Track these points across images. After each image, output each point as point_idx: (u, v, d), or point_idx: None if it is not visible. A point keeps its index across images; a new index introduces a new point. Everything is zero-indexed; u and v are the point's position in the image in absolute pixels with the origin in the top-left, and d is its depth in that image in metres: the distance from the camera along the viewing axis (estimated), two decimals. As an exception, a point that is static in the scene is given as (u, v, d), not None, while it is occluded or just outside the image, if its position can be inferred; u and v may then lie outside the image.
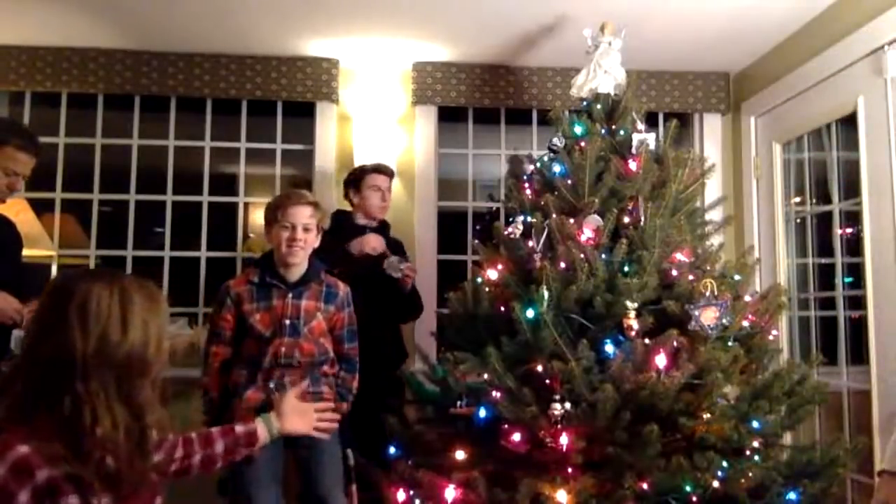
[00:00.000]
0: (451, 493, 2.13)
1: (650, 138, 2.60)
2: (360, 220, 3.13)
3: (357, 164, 3.55)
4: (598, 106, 2.73)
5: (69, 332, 1.24)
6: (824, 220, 3.24)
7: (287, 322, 2.32)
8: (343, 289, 2.47)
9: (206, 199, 3.66)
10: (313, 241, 2.41)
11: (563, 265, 2.31)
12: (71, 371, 1.23)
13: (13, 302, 2.26)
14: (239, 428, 1.71)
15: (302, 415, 1.87)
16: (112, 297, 1.28)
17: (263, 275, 2.38)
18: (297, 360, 2.32)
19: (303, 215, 2.35)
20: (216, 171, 3.81)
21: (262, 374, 2.31)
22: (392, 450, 2.49)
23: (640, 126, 2.64)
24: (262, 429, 1.75)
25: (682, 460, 2.00)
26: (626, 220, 2.43)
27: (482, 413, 2.22)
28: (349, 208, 3.22)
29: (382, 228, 3.15)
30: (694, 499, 2.04)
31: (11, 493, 1.14)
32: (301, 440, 2.31)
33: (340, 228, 3.05)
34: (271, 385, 2.29)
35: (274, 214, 2.37)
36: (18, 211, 3.03)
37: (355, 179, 3.15)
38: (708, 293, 2.20)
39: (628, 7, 2.93)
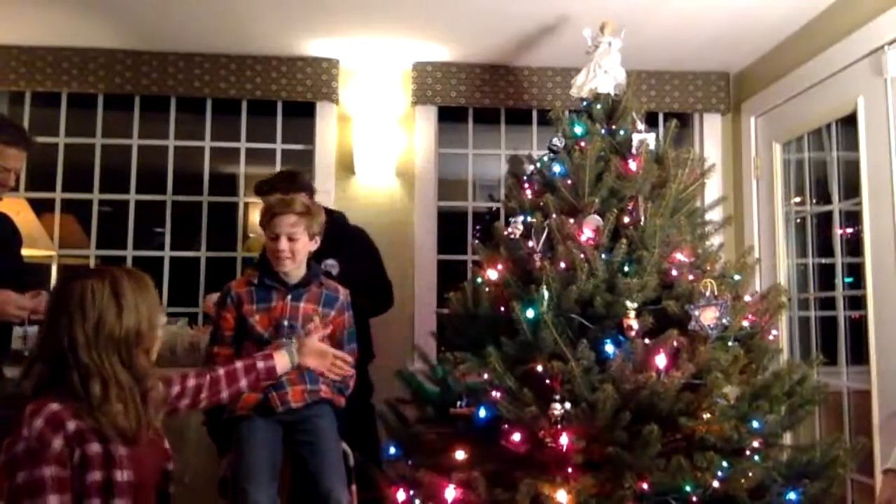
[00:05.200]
0: (451, 493, 2.13)
1: (650, 138, 2.60)
2: None
3: (357, 163, 3.57)
4: (598, 106, 2.73)
5: (72, 321, 1.48)
6: (824, 220, 3.24)
7: (285, 323, 2.32)
8: (343, 292, 2.47)
9: (206, 199, 3.66)
10: (303, 247, 2.35)
11: (563, 265, 2.31)
12: (76, 348, 1.47)
13: (15, 299, 2.25)
14: (260, 364, 1.93)
15: (321, 356, 2.10)
16: (105, 289, 1.52)
17: (263, 277, 2.38)
18: None
19: (286, 224, 2.30)
20: (216, 171, 3.81)
21: None
22: (392, 450, 2.49)
23: (640, 126, 2.64)
24: (284, 358, 1.98)
25: (682, 460, 2.00)
26: (626, 220, 2.43)
27: (482, 413, 2.22)
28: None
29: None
30: (694, 499, 2.04)
31: (48, 440, 1.39)
32: (301, 437, 2.32)
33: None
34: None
35: (262, 223, 2.36)
36: (18, 211, 3.02)
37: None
38: (708, 293, 2.21)
39: (628, 7, 2.94)
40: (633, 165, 2.51)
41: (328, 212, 2.85)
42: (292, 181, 2.91)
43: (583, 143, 2.56)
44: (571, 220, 2.42)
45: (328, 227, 2.77)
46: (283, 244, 2.29)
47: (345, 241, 2.95)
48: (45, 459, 1.38)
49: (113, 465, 1.45)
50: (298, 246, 2.33)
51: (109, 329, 1.49)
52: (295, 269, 2.38)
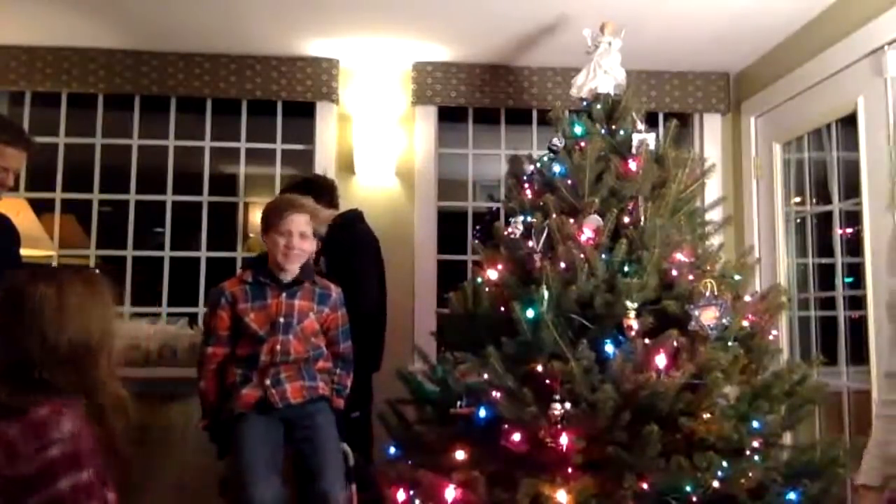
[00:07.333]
0: (451, 493, 2.13)
1: (650, 138, 2.60)
2: None
3: (357, 163, 3.57)
4: (598, 106, 2.73)
5: (18, 332, 1.39)
6: (824, 220, 3.24)
7: (281, 320, 2.33)
8: (335, 290, 2.48)
9: (206, 199, 3.66)
10: (310, 247, 2.42)
11: (563, 265, 2.31)
12: (31, 364, 1.38)
13: None
14: None
15: None
16: (48, 295, 1.40)
17: (257, 275, 2.39)
18: (292, 358, 2.33)
19: (300, 223, 2.37)
20: (216, 171, 3.81)
21: (257, 373, 2.32)
22: (392, 450, 2.49)
23: (640, 126, 2.65)
24: None
25: (682, 460, 2.00)
26: (626, 220, 2.44)
27: (482, 413, 2.22)
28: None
29: None
30: (694, 499, 2.04)
31: (85, 438, 1.33)
32: (301, 434, 2.32)
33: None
34: (267, 382, 2.30)
35: (272, 220, 2.38)
36: (18, 211, 3.03)
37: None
38: (708, 293, 2.21)
39: (628, 7, 2.93)
40: (633, 165, 2.51)
41: (342, 213, 3.00)
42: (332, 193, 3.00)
43: (583, 143, 2.56)
44: (571, 220, 2.42)
45: (339, 227, 2.87)
46: (296, 241, 2.35)
47: (343, 240, 2.96)
48: (86, 461, 1.31)
49: (106, 486, 1.38)
50: (307, 244, 2.40)
51: (53, 343, 1.39)
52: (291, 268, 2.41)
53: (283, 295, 2.37)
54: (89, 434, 1.35)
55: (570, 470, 2.06)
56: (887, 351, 1.43)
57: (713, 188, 3.57)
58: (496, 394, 2.20)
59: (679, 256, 2.39)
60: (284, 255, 2.35)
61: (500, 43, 3.41)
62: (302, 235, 2.37)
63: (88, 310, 1.44)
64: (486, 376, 2.24)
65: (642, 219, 2.41)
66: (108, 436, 1.41)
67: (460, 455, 2.21)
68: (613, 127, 2.69)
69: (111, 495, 1.39)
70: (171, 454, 3.01)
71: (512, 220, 2.55)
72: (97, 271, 1.55)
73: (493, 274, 2.51)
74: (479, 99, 3.67)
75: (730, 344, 2.22)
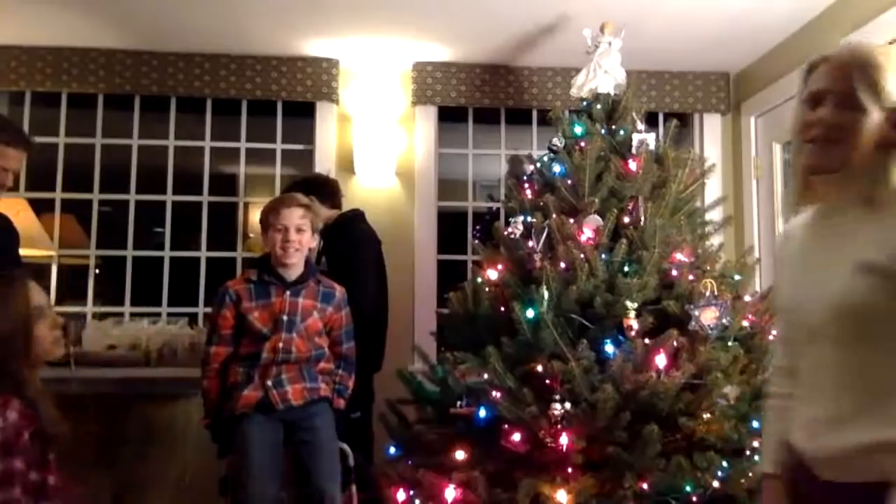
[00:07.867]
0: (451, 493, 2.13)
1: (650, 138, 2.60)
2: None
3: (357, 163, 3.57)
4: (598, 106, 2.73)
5: None
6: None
7: (285, 318, 2.34)
8: (340, 290, 2.50)
9: (206, 199, 3.66)
10: (308, 241, 2.45)
11: (563, 265, 2.31)
12: None
13: None
14: None
15: None
16: None
17: (262, 274, 2.41)
18: (294, 357, 2.34)
19: (294, 217, 2.41)
20: (216, 171, 3.81)
21: (259, 372, 2.32)
22: (392, 450, 2.49)
23: (640, 126, 2.65)
24: None
25: (682, 460, 2.01)
26: (626, 220, 2.44)
27: (482, 413, 2.22)
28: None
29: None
30: (694, 499, 2.04)
31: (21, 432, 1.49)
32: (300, 436, 2.33)
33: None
34: (269, 383, 2.31)
35: (268, 219, 2.43)
36: (18, 211, 3.03)
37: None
38: (708, 293, 2.21)
39: (628, 7, 2.93)
40: (633, 165, 2.51)
41: (343, 213, 3.02)
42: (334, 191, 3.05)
43: (583, 143, 2.56)
44: (571, 220, 2.42)
45: (340, 227, 2.89)
46: (293, 235, 2.39)
47: (344, 240, 2.96)
48: (18, 451, 1.47)
49: (48, 469, 1.54)
50: (305, 238, 2.43)
51: None
52: (294, 267, 2.42)
53: (288, 293, 2.38)
54: (27, 428, 1.50)
55: (570, 470, 2.06)
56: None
57: (713, 188, 3.57)
58: (496, 394, 2.20)
59: (679, 256, 2.39)
60: (283, 249, 2.38)
61: (500, 43, 3.41)
62: (298, 229, 2.40)
63: (3, 315, 1.57)
64: (486, 376, 2.24)
65: (642, 219, 2.41)
66: (45, 423, 1.55)
67: (460, 455, 2.21)
68: (613, 127, 2.69)
69: (51, 477, 1.55)
70: (171, 454, 3.02)
71: (512, 220, 2.55)
72: (7, 275, 1.69)
73: (493, 274, 2.51)
74: (479, 99, 3.67)
75: (730, 344, 2.23)
